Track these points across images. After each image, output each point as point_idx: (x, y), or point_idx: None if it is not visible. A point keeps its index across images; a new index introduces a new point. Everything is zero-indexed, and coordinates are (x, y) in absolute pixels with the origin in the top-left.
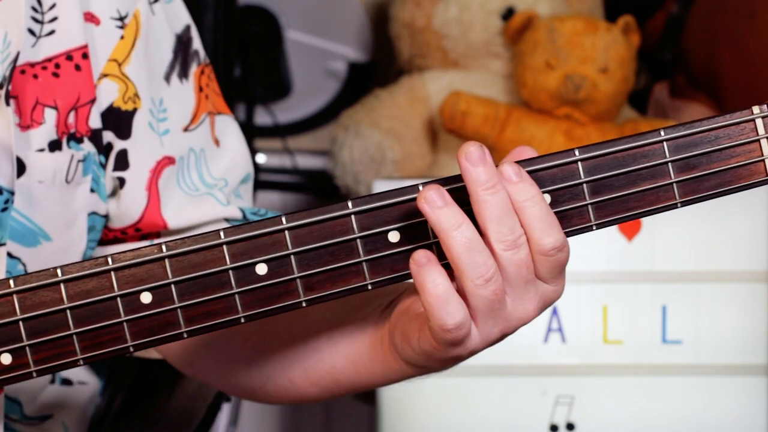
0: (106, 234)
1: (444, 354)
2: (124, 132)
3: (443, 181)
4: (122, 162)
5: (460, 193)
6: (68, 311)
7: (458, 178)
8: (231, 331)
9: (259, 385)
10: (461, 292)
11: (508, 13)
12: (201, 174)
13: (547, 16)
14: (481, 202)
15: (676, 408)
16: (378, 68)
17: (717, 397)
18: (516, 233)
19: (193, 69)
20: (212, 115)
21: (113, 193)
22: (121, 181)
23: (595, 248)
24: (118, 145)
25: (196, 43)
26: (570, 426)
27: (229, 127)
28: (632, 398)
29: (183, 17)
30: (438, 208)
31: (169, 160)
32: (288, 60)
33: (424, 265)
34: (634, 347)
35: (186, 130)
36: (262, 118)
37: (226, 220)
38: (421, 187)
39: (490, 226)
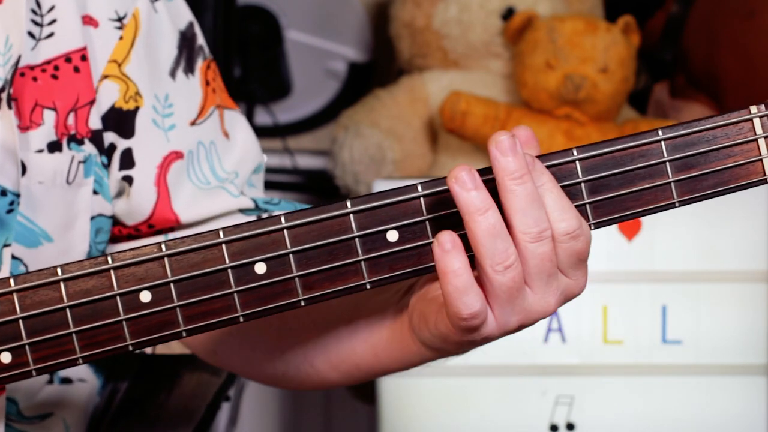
0: (120, 231)
1: (459, 338)
2: (127, 131)
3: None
4: (127, 160)
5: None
6: (68, 310)
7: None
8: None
9: (281, 372)
10: (480, 278)
11: (508, 13)
12: (213, 167)
13: (547, 16)
14: (508, 191)
15: (676, 408)
16: (378, 68)
17: (717, 397)
18: (541, 225)
19: (199, 64)
20: (221, 109)
21: (120, 193)
22: (129, 180)
23: (595, 248)
24: (122, 144)
25: (200, 39)
26: (570, 426)
27: (237, 121)
28: (632, 398)
29: (185, 14)
30: (467, 190)
31: (176, 155)
32: (288, 60)
33: (448, 251)
34: (634, 347)
35: (193, 123)
36: (262, 118)
37: (240, 210)
38: (420, 188)
39: (515, 216)
